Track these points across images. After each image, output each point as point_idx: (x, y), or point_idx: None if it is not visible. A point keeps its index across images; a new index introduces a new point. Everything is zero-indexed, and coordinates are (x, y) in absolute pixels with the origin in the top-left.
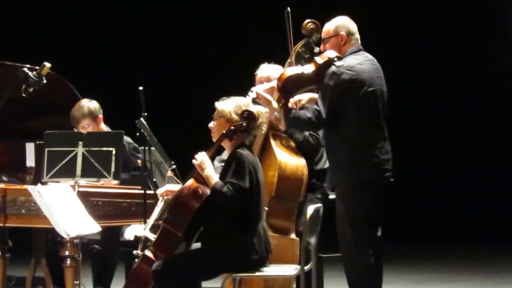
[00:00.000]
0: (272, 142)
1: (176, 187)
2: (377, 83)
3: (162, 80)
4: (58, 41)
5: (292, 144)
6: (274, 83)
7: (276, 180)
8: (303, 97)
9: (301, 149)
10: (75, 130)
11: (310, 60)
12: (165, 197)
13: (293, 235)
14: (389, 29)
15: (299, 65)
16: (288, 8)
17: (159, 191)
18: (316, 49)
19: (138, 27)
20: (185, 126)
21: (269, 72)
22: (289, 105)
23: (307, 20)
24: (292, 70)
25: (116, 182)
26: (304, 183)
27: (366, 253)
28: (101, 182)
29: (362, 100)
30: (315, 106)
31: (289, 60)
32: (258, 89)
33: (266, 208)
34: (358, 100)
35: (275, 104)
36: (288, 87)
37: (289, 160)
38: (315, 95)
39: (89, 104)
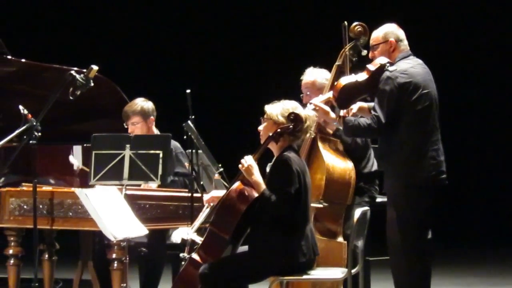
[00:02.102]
0: (320, 145)
1: (222, 193)
2: (430, 86)
3: (210, 82)
4: (106, 44)
5: (340, 147)
6: (330, 94)
7: (324, 183)
8: (353, 106)
9: (349, 152)
10: (125, 126)
11: (358, 62)
12: (211, 204)
13: (340, 239)
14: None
15: (352, 74)
16: (345, 22)
17: (206, 198)
18: (364, 52)
19: (186, 30)
20: (233, 129)
21: (314, 76)
22: (341, 113)
23: (355, 23)
24: (347, 79)
25: (155, 185)
26: (351, 187)
27: (415, 257)
28: (149, 185)
29: (418, 102)
30: (373, 112)
31: (337, 63)
32: (315, 100)
33: (319, 205)
34: (414, 103)
35: (333, 115)
36: (344, 96)
37: (337, 163)
38: (364, 104)
39: (143, 103)
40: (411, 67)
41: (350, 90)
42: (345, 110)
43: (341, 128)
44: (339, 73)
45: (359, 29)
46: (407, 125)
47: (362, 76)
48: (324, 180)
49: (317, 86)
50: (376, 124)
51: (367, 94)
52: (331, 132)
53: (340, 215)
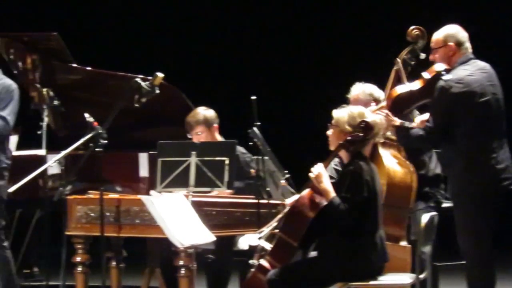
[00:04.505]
0: (381, 150)
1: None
2: (489, 92)
3: (276, 88)
4: (170, 51)
5: (401, 151)
6: (383, 103)
7: (385, 188)
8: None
9: (412, 157)
10: (188, 136)
11: (416, 67)
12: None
13: (404, 243)
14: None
15: (407, 82)
16: (399, 59)
17: (288, 201)
18: (422, 56)
19: (252, 37)
20: (298, 135)
21: (357, 92)
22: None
23: (412, 27)
24: (401, 88)
25: (229, 191)
26: (413, 190)
27: (484, 263)
28: (215, 191)
29: (474, 111)
30: (427, 123)
31: (395, 68)
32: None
33: None
34: (470, 112)
35: (397, 122)
36: (398, 105)
37: (397, 167)
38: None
39: (205, 111)
40: (468, 74)
41: (404, 99)
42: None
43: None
44: (399, 78)
45: (416, 32)
46: (463, 135)
47: (416, 85)
48: (386, 184)
49: (361, 100)
50: (429, 135)
51: (424, 102)
52: (394, 138)
53: (403, 219)
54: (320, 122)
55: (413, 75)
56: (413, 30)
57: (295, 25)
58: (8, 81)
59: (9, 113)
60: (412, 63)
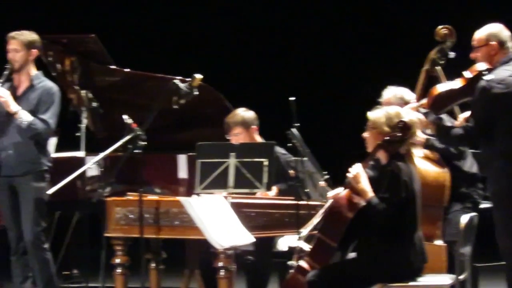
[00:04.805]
0: (412, 149)
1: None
2: None
3: (315, 89)
4: (210, 52)
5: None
6: (423, 101)
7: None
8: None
9: (445, 158)
10: (226, 137)
11: (445, 66)
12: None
13: (438, 241)
14: None
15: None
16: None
17: (330, 194)
18: (451, 54)
19: (290, 38)
20: (337, 136)
21: (388, 96)
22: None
23: (440, 26)
24: (442, 86)
25: (273, 193)
26: (446, 188)
27: None
28: (258, 193)
29: None
30: (467, 123)
31: (425, 68)
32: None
33: None
34: (509, 113)
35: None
36: (438, 103)
37: (429, 167)
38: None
39: (244, 113)
40: (510, 75)
41: (444, 97)
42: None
43: (431, 138)
44: (429, 78)
45: (445, 31)
46: (503, 135)
47: (457, 84)
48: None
49: (393, 104)
50: (468, 134)
51: (464, 101)
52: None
53: (437, 218)
54: (359, 122)
55: (454, 74)
56: (442, 29)
57: (333, 26)
58: (49, 84)
59: (50, 116)
60: (442, 62)
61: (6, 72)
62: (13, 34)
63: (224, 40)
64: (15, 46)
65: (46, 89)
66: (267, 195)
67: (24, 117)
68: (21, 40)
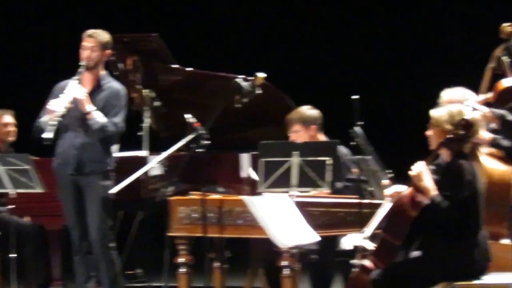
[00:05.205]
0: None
1: (403, 188)
2: None
3: (378, 88)
4: (273, 50)
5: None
6: (488, 95)
7: (485, 187)
8: None
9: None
10: (288, 134)
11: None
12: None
13: (505, 241)
14: None
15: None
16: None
17: (387, 192)
18: None
19: (354, 36)
20: (401, 134)
21: (447, 98)
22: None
23: (505, 24)
24: (508, 81)
25: (326, 191)
26: None
27: None
28: (314, 192)
29: None
30: None
31: (490, 66)
32: (472, 103)
33: None
34: None
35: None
36: (504, 97)
37: (495, 165)
38: None
39: (306, 111)
40: None
41: (509, 92)
42: None
43: (497, 137)
44: (494, 75)
45: (510, 29)
46: None
47: None
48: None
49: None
50: None
51: None
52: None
53: (504, 217)
54: (422, 120)
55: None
56: (507, 26)
57: (398, 25)
58: (117, 86)
59: (121, 120)
60: (508, 60)
61: (80, 70)
62: (90, 32)
63: (288, 39)
64: (92, 45)
65: (114, 90)
66: (322, 193)
67: (98, 118)
68: (98, 39)
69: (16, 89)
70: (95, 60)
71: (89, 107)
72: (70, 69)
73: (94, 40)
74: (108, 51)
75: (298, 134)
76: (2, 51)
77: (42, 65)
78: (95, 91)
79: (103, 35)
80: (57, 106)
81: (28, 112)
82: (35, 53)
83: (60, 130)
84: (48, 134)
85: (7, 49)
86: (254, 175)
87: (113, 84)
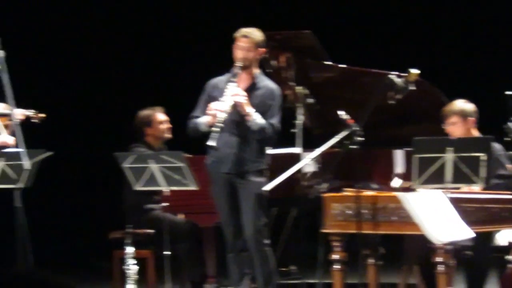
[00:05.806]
0: None
1: None
2: None
3: None
4: (427, 46)
5: None
6: None
7: None
8: None
9: None
10: (443, 127)
11: None
12: None
13: None
14: None
15: None
16: None
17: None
18: None
19: (500, 31)
20: None
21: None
22: None
23: None
24: None
25: (478, 188)
26: None
27: None
28: (465, 188)
29: None
30: None
31: None
32: None
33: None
34: None
35: None
36: None
37: None
38: None
39: (462, 103)
40: None
41: None
42: None
43: None
44: None
45: None
46: None
47: None
48: None
49: None
50: None
51: None
52: None
53: None
54: None
55: None
56: None
57: None
58: (272, 85)
59: (277, 121)
60: None
61: (237, 71)
62: (245, 32)
63: (442, 35)
64: (248, 45)
65: (269, 90)
66: (472, 190)
67: (257, 119)
68: (253, 39)
69: (164, 86)
70: (251, 59)
71: (248, 109)
72: (216, 64)
73: (249, 40)
74: (262, 50)
75: (455, 126)
76: (151, 47)
77: (188, 61)
78: (251, 90)
79: (257, 34)
80: (219, 111)
81: (175, 108)
82: (182, 48)
83: None
84: (212, 142)
85: (154, 43)
86: (398, 183)
87: (268, 83)
